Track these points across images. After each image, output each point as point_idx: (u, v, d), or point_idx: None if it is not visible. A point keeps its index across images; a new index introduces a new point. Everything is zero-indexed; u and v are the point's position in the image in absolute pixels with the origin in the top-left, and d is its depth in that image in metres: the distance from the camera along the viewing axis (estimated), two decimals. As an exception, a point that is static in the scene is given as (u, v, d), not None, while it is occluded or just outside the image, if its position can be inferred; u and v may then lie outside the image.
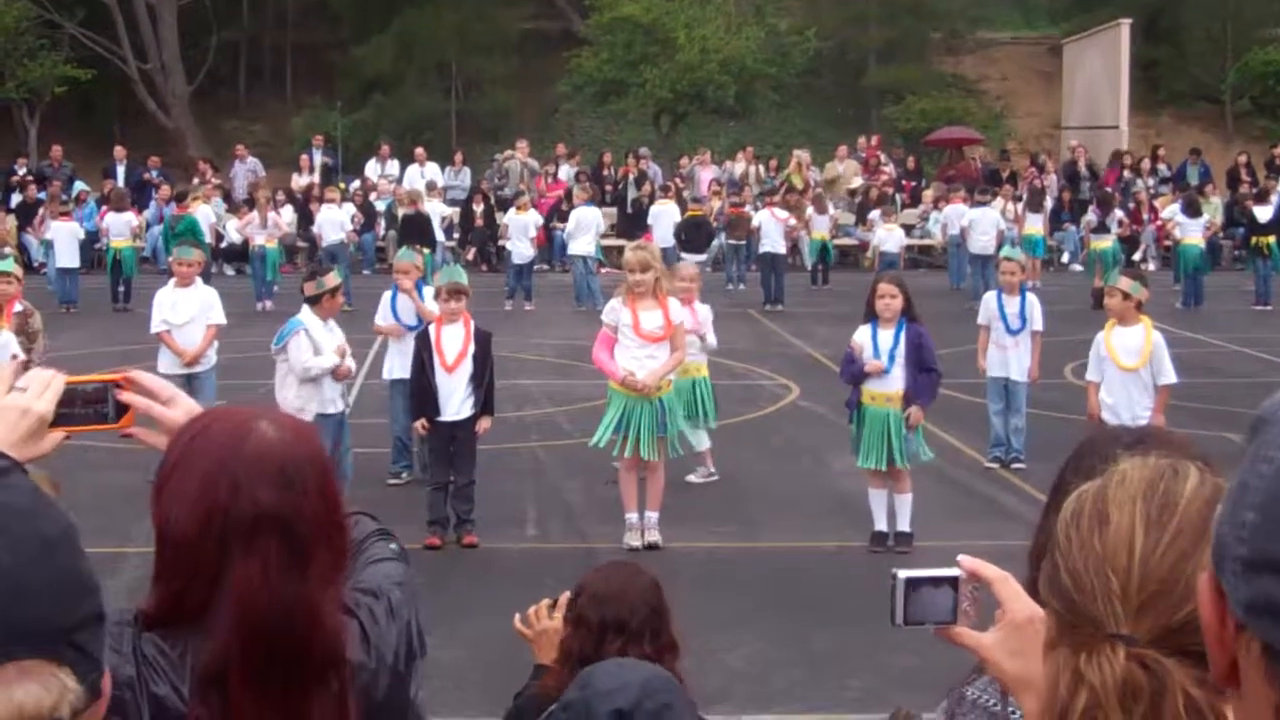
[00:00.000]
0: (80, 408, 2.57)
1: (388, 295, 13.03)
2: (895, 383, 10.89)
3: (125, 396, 2.60)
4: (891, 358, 10.86)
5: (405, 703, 2.58)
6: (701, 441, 13.03)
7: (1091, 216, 27.43)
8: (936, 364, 11.10)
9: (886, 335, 10.91)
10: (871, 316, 11.00)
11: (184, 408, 2.62)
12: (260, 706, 2.32)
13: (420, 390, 11.27)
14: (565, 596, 4.38)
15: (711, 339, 12.83)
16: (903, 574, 2.25)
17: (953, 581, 2.25)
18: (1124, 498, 1.71)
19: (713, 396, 12.94)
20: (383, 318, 12.94)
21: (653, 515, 11.17)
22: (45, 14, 37.95)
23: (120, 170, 32.93)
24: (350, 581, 2.54)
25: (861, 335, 11.04)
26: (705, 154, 34.67)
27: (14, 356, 10.53)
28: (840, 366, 11.45)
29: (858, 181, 33.65)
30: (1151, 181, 34.33)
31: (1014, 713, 2.45)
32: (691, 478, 13.00)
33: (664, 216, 27.79)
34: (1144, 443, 2.44)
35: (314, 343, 11.21)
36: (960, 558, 2.25)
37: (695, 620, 9.38)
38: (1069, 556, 1.71)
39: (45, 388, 2.53)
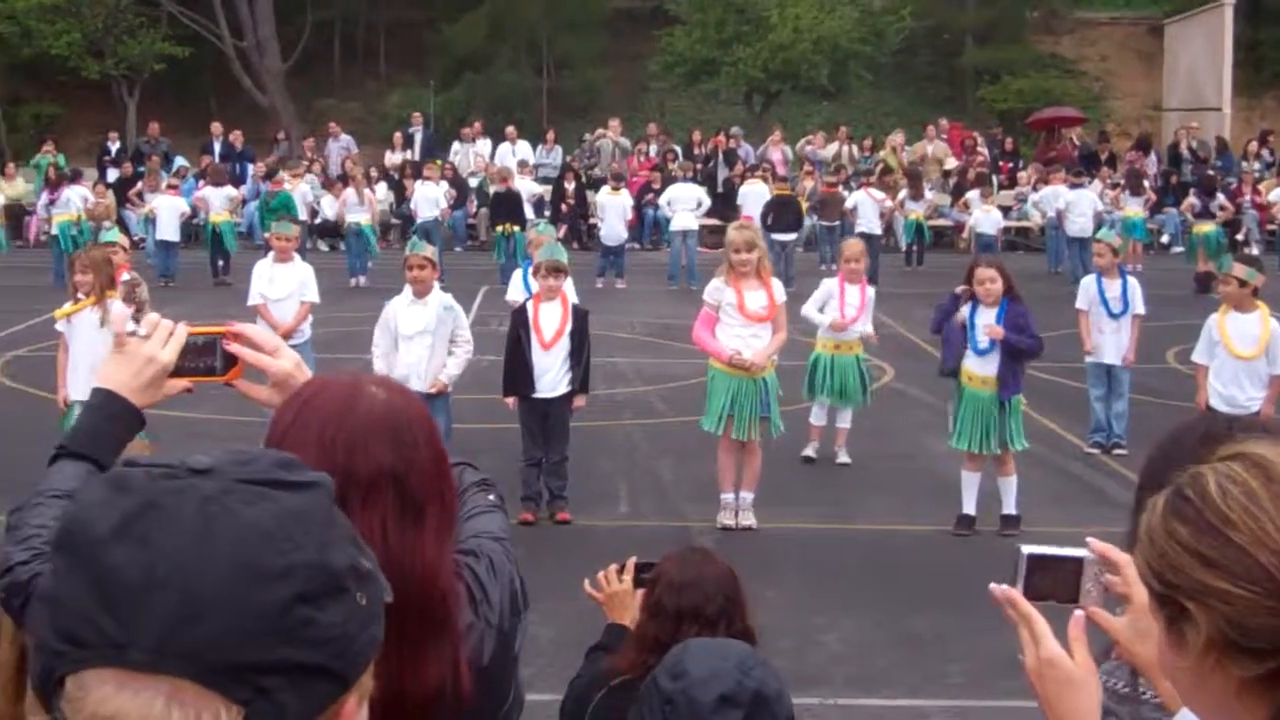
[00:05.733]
0: (190, 360, 2.63)
1: (519, 273, 12.98)
2: (994, 365, 10.73)
3: (233, 348, 2.64)
4: (992, 341, 10.70)
5: (512, 660, 2.60)
6: (847, 419, 13.11)
7: (1194, 200, 27.01)
8: (1037, 336, 10.92)
9: (988, 315, 10.76)
10: (971, 298, 10.84)
11: (289, 358, 2.67)
12: (379, 665, 2.30)
13: (514, 367, 11.24)
14: (632, 561, 4.51)
15: (865, 327, 12.95)
16: (1026, 549, 2.32)
17: (1077, 562, 2.30)
18: None
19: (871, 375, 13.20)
20: (516, 293, 12.70)
21: (748, 496, 11.09)
22: (145, -9, 38.43)
23: (217, 146, 33.20)
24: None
25: (961, 315, 10.88)
26: (777, 134, 34.34)
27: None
28: (935, 314, 11.28)
29: (951, 163, 33.31)
30: (1258, 165, 33.75)
31: (1144, 693, 2.38)
32: (841, 458, 13.08)
33: (753, 196, 27.60)
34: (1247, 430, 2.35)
35: (388, 317, 11.31)
36: (1090, 540, 2.28)
37: (792, 602, 9.34)
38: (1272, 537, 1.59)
39: (169, 336, 2.60)
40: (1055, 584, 2.31)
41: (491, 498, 2.84)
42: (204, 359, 2.65)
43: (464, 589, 2.51)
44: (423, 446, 2.43)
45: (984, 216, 26.28)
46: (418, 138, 34.39)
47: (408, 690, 2.35)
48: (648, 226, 30.77)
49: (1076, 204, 26.33)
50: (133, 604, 1.27)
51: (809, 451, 13.06)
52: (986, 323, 10.72)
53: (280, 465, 1.39)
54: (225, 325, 2.71)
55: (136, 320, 2.67)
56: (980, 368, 10.77)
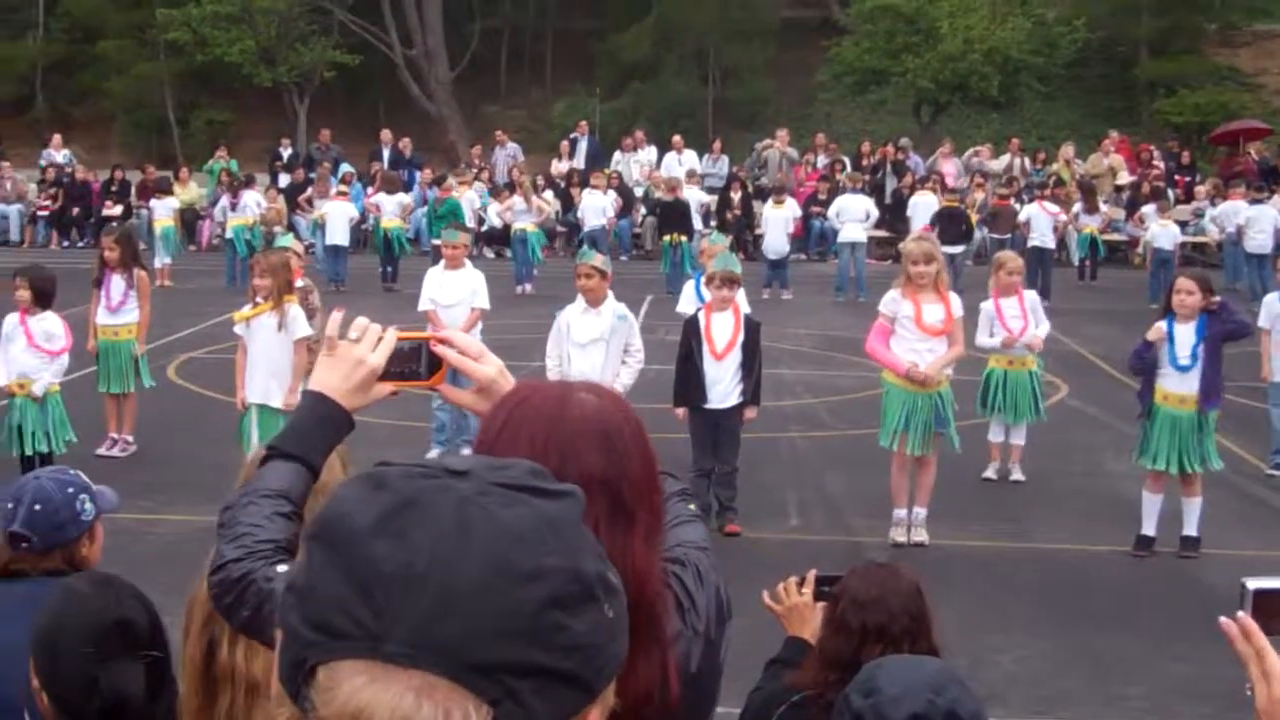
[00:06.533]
0: (397, 364, 2.67)
1: (690, 284, 12.98)
2: (1193, 383, 10.39)
3: (439, 350, 2.67)
4: (1194, 356, 10.36)
5: (718, 669, 2.60)
6: (1021, 436, 12.83)
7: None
8: (1244, 322, 10.56)
9: (1186, 331, 10.40)
10: (1168, 311, 10.52)
11: (494, 364, 2.69)
12: None
13: (685, 377, 11.18)
14: (813, 573, 4.50)
15: (1036, 330, 12.48)
16: (1253, 584, 2.29)
17: None
18: None
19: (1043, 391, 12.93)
20: (688, 305, 12.57)
21: (920, 512, 10.92)
22: (317, 0, 39.04)
23: (386, 153, 33.66)
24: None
25: (1161, 331, 10.52)
26: (948, 145, 33.89)
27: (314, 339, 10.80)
28: (1131, 356, 10.88)
29: (1125, 177, 32.64)
30: None
31: None
32: (1016, 475, 12.81)
33: (923, 208, 27.28)
34: None
35: (560, 326, 11.29)
36: None
37: (966, 620, 9.16)
38: None
39: (378, 341, 2.65)
40: None
41: (693, 508, 2.83)
42: (410, 364, 2.68)
43: (672, 596, 2.50)
44: (634, 452, 2.42)
45: (1160, 231, 25.63)
46: (582, 146, 34.54)
47: (619, 695, 2.32)
48: (814, 237, 30.56)
49: (1256, 220, 25.63)
50: (389, 597, 1.26)
51: (989, 473, 12.78)
52: (1184, 342, 10.35)
53: (534, 474, 1.39)
54: (434, 333, 2.74)
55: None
56: (1178, 385, 10.42)
